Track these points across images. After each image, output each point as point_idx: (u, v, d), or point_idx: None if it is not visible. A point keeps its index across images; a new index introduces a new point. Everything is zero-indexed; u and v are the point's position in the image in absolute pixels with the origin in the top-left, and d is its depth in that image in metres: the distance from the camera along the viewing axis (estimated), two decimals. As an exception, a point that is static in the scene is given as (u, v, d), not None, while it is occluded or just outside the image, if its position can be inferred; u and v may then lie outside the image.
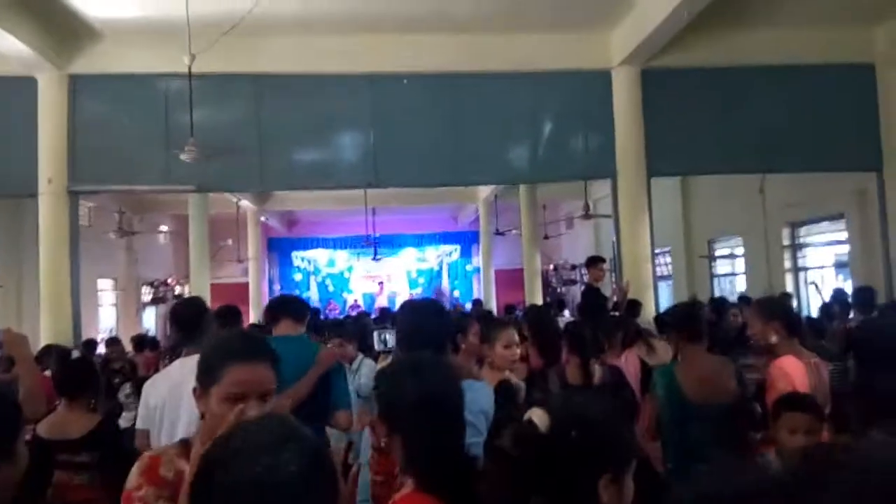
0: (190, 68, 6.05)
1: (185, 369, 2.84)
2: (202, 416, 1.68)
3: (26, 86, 7.07)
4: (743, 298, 8.27)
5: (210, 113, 7.17)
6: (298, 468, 1.03)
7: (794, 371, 3.06)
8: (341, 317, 14.90)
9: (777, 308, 3.36)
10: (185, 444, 1.71)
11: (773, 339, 3.21)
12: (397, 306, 18.37)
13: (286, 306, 3.64)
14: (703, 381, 3.24)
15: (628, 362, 4.59)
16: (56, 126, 7.08)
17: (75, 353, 3.79)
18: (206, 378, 1.67)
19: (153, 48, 6.98)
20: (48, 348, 5.75)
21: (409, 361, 2.01)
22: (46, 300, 6.99)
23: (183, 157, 6.41)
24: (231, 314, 4.51)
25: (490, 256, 16.80)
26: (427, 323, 2.55)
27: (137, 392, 5.07)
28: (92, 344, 7.66)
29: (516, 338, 3.32)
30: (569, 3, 6.79)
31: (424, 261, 22.14)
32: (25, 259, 11.03)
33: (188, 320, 3.17)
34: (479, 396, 2.43)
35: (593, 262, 7.27)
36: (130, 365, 6.64)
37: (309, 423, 3.10)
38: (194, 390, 1.69)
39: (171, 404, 2.82)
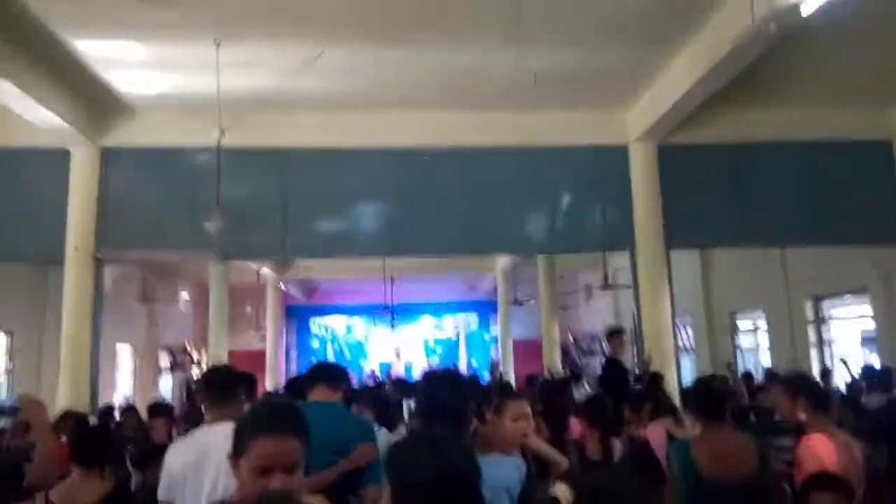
0: (219, 143, 6.27)
1: (209, 437, 2.82)
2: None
3: (59, 157, 7.35)
4: (770, 375, 8.10)
5: (236, 184, 7.35)
6: None
7: (822, 450, 2.98)
8: (358, 387, 14.76)
9: (803, 384, 3.29)
10: None
11: (802, 416, 3.13)
12: (414, 376, 18.19)
13: (322, 372, 3.57)
14: (720, 456, 3.14)
15: (654, 435, 4.47)
16: (86, 195, 7.31)
17: (92, 420, 3.79)
18: (237, 448, 1.70)
19: (183, 123, 7.26)
20: (66, 415, 5.75)
21: (422, 436, 1.99)
22: (66, 364, 7.05)
23: (208, 226, 6.55)
24: (246, 382, 4.47)
25: (508, 326, 16.70)
26: (445, 395, 2.52)
27: (142, 461, 5.03)
28: (109, 412, 7.63)
29: (527, 409, 3.19)
30: (587, 82, 6.99)
31: (442, 329, 22.05)
32: (47, 323, 11.16)
33: (219, 388, 3.14)
34: (502, 472, 2.38)
35: (613, 333, 7.23)
36: (144, 433, 6.54)
37: (336, 493, 3.03)
38: (230, 459, 1.72)
39: (194, 473, 2.77)
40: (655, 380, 6.51)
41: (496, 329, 19.25)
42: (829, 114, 7.62)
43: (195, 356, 16.31)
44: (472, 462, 1.80)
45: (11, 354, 11.56)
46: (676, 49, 6.35)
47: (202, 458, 2.75)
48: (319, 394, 3.44)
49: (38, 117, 6.54)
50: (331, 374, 3.57)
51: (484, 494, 2.25)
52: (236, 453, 1.69)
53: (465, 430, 2.51)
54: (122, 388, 15.29)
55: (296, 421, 1.73)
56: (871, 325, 9.43)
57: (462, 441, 1.97)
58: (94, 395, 7.12)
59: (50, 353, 10.36)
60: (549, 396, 5.45)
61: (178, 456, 2.91)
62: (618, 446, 4.32)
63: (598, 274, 13.56)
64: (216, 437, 2.55)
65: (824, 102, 7.50)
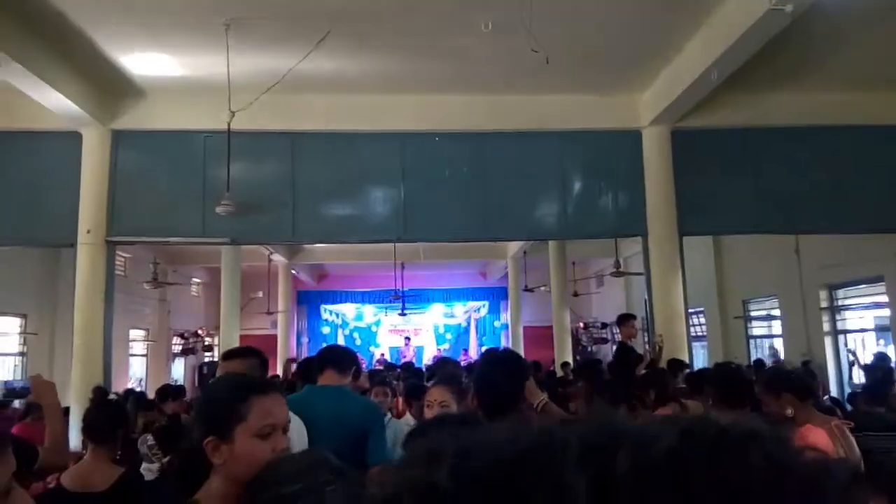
0: (229, 125, 6.25)
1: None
2: (215, 469, 1.56)
3: (71, 140, 7.36)
4: (758, 365, 8.07)
5: (246, 168, 7.36)
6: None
7: (817, 440, 3.01)
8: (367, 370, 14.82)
9: (785, 379, 3.36)
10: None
11: (789, 411, 3.18)
12: (424, 360, 18.25)
13: (331, 357, 3.65)
14: None
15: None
16: (97, 179, 7.33)
17: (112, 396, 3.83)
18: (225, 422, 1.56)
19: (194, 106, 7.25)
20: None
21: (439, 421, 2.00)
22: (79, 348, 7.09)
23: (219, 210, 6.55)
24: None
25: (519, 313, 16.68)
26: (500, 377, 2.52)
27: (161, 443, 5.04)
28: (138, 395, 7.56)
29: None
30: (599, 65, 6.90)
31: (452, 316, 22.08)
32: (60, 307, 11.27)
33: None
34: None
35: (624, 319, 7.18)
36: (173, 419, 6.48)
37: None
38: (208, 443, 1.56)
39: None
40: (673, 367, 6.44)
41: (506, 316, 19.24)
42: (847, 98, 7.49)
43: (206, 340, 16.42)
44: None
45: (25, 338, 11.68)
46: (691, 31, 6.25)
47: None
48: (329, 378, 3.49)
49: (49, 100, 6.55)
50: (340, 358, 3.62)
51: None
52: (225, 427, 1.55)
53: (516, 411, 2.53)
54: (135, 374, 15.45)
55: (276, 383, 1.76)
56: (885, 313, 9.34)
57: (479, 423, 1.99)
58: (107, 380, 7.16)
59: (63, 336, 10.46)
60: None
61: None
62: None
63: (609, 261, 13.51)
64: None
65: (841, 86, 7.37)
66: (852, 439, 3.19)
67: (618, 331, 8.14)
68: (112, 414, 3.48)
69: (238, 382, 1.71)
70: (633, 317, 7.24)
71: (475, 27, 5.79)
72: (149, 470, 5.08)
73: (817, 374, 9.66)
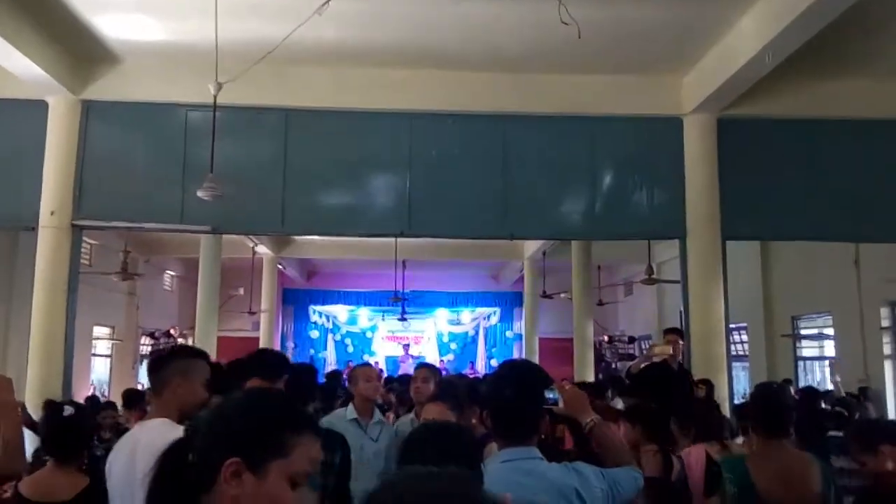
0: (215, 98, 6.27)
1: (148, 435, 2.55)
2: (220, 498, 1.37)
3: (36, 109, 7.40)
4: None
5: (233, 147, 7.39)
6: None
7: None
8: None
9: (881, 431, 3.31)
10: None
11: (890, 465, 3.11)
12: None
13: (258, 362, 3.68)
14: (780, 477, 3.13)
15: (693, 456, 4.43)
16: (64, 154, 7.37)
17: (68, 410, 3.82)
18: (266, 448, 1.39)
19: (176, 75, 7.29)
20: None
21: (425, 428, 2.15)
22: (36, 346, 7.13)
23: (200, 194, 6.57)
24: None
25: (535, 322, 16.71)
26: (511, 396, 2.48)
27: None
28: (95, 402, 7.66)
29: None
30: (636, 42, 6.91)
31: (459, 323, 22.12)
32: (16, 300, 11.32)
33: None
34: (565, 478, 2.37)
35: (664, 333, 7.12)
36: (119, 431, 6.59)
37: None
38: (231, 464, 1.36)
39: (124, 487, 2.54)
40: (709, 392, 6.41)
41: (520, 325, 19.27)
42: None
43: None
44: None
45: (-24, 332, 11.75)
46: (744, 6, 6.25)
47: (133, 468, 2.51)
48: (254, 385, 3.55)
49: (11, 63, 6.59)
50: (267, 363, 3.70)
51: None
52: (261, 456, 1.37)
53: (535, 433, 2.51)
54: (97, 376, 15.55)
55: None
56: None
57: (465, 433, 2.14)
58: (67, 381, 7.20)
59: (18, 332, 10.52)
60: None
61: (114, 465, 2.72)
62: (676, 463, 4.27)
63: (640, 266, 13.52)
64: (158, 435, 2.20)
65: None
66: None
67: (646, 346, 8.13)
68: (72, 432, 3.52)
69: (292, 408, 1.51)
70: (678, 331, 7.10)
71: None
72: None
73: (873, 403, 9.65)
